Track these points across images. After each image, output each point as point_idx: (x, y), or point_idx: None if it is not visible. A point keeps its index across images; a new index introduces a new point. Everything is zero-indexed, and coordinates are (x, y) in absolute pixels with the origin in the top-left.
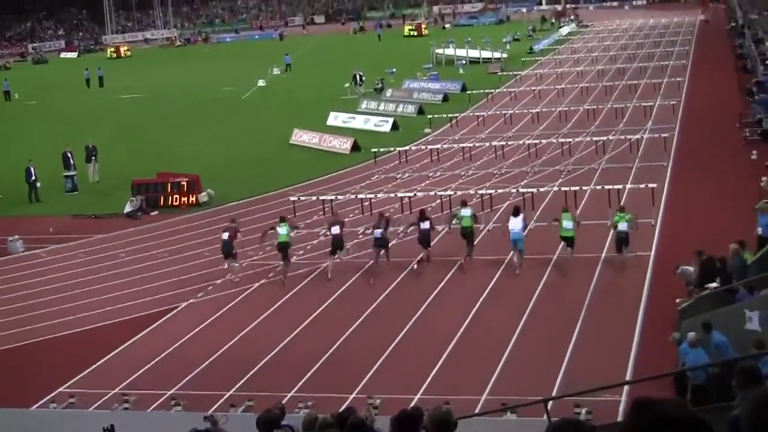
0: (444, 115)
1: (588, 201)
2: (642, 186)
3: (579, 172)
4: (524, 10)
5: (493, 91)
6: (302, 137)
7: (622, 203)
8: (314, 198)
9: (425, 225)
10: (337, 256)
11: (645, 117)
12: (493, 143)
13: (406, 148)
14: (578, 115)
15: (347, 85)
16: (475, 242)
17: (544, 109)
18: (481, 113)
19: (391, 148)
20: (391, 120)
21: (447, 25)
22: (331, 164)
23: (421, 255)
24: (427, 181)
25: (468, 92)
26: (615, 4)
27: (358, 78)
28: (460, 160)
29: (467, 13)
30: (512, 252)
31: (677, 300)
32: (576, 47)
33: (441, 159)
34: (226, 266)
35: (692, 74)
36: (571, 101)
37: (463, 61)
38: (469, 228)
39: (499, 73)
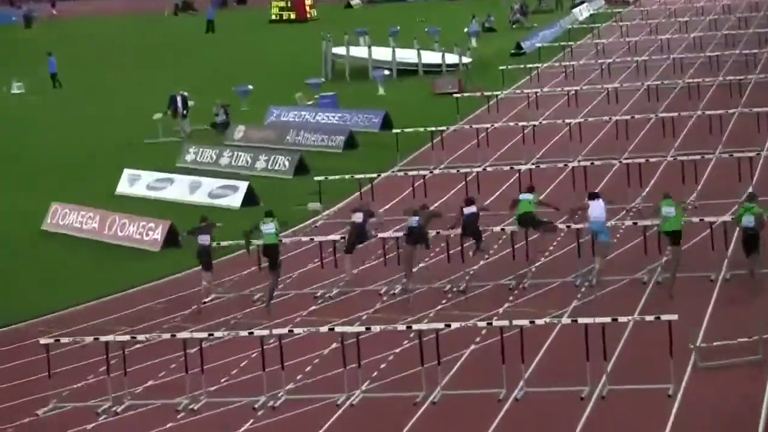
0: (347, 177)
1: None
2: None
3: None
4: None
5: (444, 130)
6: (67, 219)
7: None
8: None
9: (470, 209)
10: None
11: None
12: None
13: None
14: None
15: (158, 116)
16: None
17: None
18: (425, 172)
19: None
20: (242, 186)
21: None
22: (124, 274)
23: (473, 249)
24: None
25: (395, 131)
26: None
27: (179, 104)
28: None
29: None
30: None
31: None
32: (607, 44)
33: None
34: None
35: None
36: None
37: (386, 71)
38: (530, 213)
39: (455, 95)
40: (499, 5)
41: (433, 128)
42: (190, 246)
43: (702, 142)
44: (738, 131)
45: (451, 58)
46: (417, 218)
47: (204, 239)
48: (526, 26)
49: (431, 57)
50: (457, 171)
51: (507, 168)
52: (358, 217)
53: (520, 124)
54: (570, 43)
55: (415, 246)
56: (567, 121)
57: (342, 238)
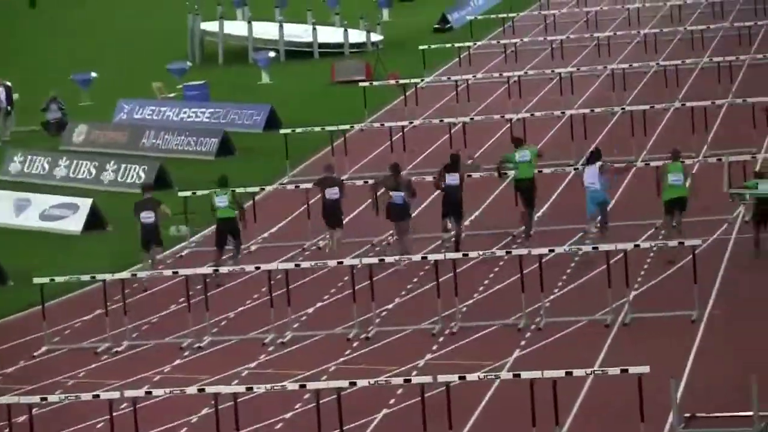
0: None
1: None
2: None
3: None
4: None
5: (347, 129)
6: None
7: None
8: None
9: (452, 179)
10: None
11: None
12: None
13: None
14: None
15: None
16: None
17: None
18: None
19: None
20: (84, 205)
21: None
22: None
23: (450, 233)
24: None
25: (283, 132)
26: None
27: (1, 97)
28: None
29: None
30: (588, 218)
31: None
32: (559, 17)
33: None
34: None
35: None
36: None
37: (272, 53)
38: (530, 178)
39: (362, 84)
40: None
41: (334, 127)
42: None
43: (682, 143)
44: (728, 128)
45: (357, 36)
46: (400, 194)
47: (147, 216)
48: None
49: (330, 34)
50: (364, 182)
51: (429, 178)
52: (332, 194)
53: (447, 120)
54: (511, 14)
55: (399, 223)
56: (507, 116)
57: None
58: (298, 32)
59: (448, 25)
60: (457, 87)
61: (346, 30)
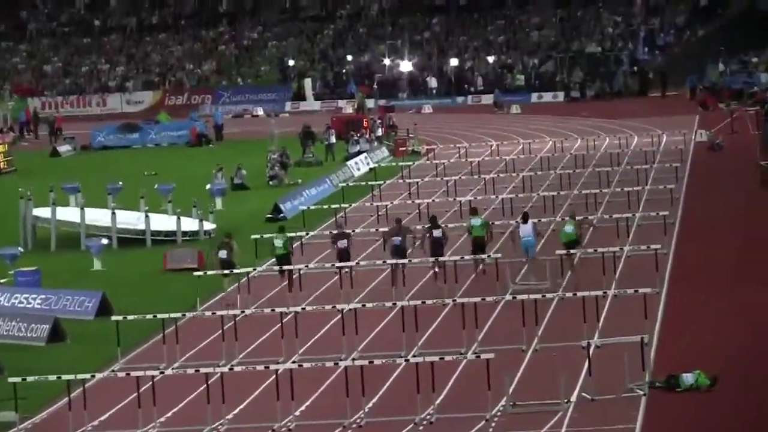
0: (53, 379)
1: None
2: None
3: None
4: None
5: (179, 318)
6: None
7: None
8: None
9: (437, 233)
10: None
11: None
12: None
13: None
14: None
15: None
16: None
17: None
18: (154, 372)
19: None
20: None
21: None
22: None
23: (434, 269)
24: None
25: (115, 319)
26: (487, 101)
27: None
28: None
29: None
30: (525, 260)
31: None
32: (391, 208)
33: None
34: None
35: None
36: None
37: (105, 239)
38: (482, 237)
39: (196, 273)
40: (253, 155)
41: (166, 315)
42: None
43: (511, 338)
44: (560, 321)
45: (189, 224)
46: (399, 238)
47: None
48: (287, 182)
49: (163, 222)
50: (196, 371)
51: (261, 368)
52: (342, 244)
53: (278, 310)
54: (343, 204)
55: (398, 259)
56: (339, 306)
57: None
58: (131, 219)
59: (282, 215)
60: (290, 275)
61: (178, 218)
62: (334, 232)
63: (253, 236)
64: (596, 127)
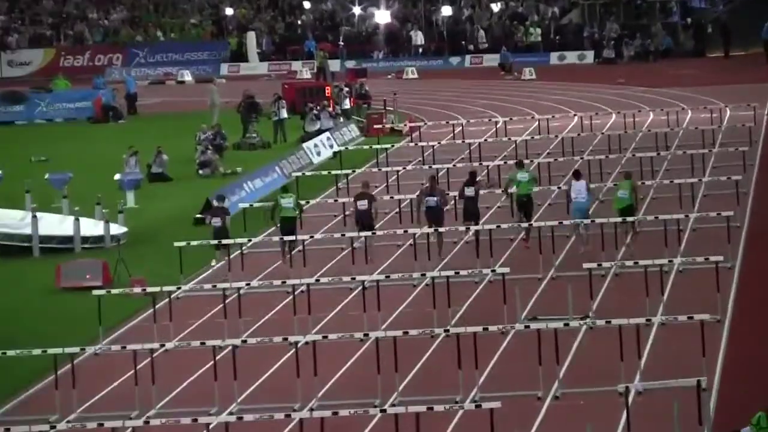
0: None
1: None
2: None
3: None
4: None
5: (77, 353)
6: None
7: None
8: None
9: (470, 191)
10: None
11: None
12: None
13: None
14: None
15: None
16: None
17: None
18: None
19: None
20: None
21: None
22: None
23: (467, 235)
24: None
25: None
26: (491, 63)
27: None
28: None
29: None
30: (575, 227)
31: None
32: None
33: None
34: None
35: None
36: None
37: None
38: (528, 195)
39: (96, 291)
40: (177, 135)
41: (58, 350)
42: None
43: (522, 382)
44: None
45: (91, 227)
46: (434, 198)
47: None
48: (223, 171)
49: (56, 225)
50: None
51: (189, 421)
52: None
53: (210, 343)
54: (301, 201)
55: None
56: (293, 340)
57: None
58: (13, 221)
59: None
60: (224, 298)
61: (77, 219)
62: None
63: (177, 243)
64: (637, 99)
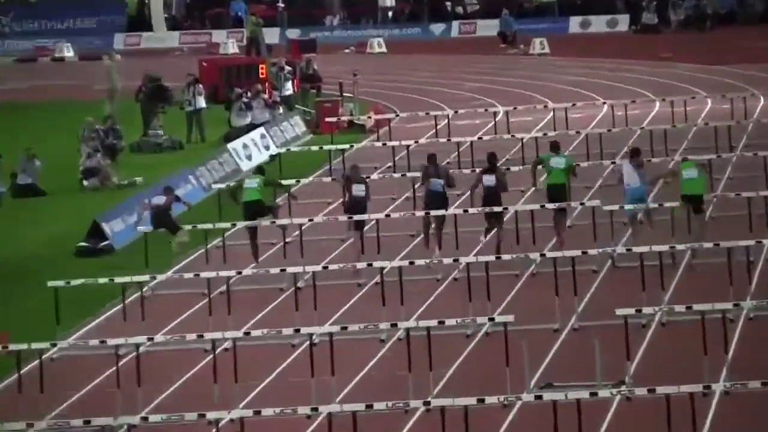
0: None
1: None
2: None
3: None
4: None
5: None
6: None
7: None
8: None
9: (489, 180)
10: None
11: None
12: None
13: None
14: None
15: None
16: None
17: None
18: None
19: None
20: None
21: None
22: None
23: (489, 234)
24: None
25: None
26: (488, 32)
27: None
28: None
29: None
30: (629, 219)
31: None
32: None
33: None
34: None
35: None
36: None
37: None
38: (562, 184)
39: None
40: (54, 132)
41: None
42: None
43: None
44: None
45: None
46: (440, 181)
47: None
48: (116, 183)
49: None
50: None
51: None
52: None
53: (97, 424)
54: (220, 224)
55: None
56: (213, 417)
57: None
58: None
59: (104, 242)
60: (117, 360)
61: None
62: (347, 174)
63: (51, 283)
64: (687, 80)
